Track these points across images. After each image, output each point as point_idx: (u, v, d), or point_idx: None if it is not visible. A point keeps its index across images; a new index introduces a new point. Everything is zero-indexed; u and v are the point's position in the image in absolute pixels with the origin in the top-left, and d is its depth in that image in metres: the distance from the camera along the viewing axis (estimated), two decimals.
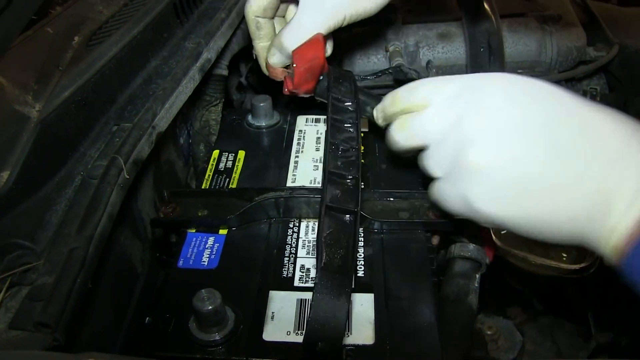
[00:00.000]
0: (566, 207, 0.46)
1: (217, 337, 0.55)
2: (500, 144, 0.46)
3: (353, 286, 0.59)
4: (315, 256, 0.64)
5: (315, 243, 0.66)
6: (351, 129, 0.63)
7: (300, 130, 0.86)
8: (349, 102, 0.67)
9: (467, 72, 1.03)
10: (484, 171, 0.47)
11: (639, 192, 0.43)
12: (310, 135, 0.85)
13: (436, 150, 0.51)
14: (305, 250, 0.65)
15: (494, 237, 1.02)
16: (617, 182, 0.44)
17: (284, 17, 0.73)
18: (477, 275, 0.69)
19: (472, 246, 0.70)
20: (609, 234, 0.45)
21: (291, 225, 0.69)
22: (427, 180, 0.53)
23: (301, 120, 0.89)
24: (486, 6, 0.98)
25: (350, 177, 0.57)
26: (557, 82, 1.01)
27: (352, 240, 0.52)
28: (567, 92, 0.48)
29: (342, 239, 0.51)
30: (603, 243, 0.45)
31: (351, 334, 0.56)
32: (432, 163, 0.52)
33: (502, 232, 1.14)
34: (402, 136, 0.54)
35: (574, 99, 0.47)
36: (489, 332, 0.93)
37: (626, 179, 0.44)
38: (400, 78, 0.95)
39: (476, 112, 0.48)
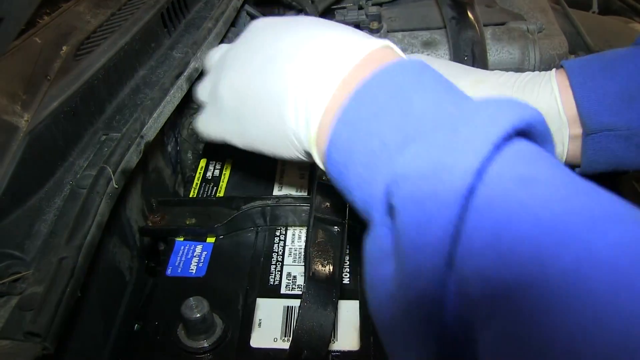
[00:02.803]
0: (275, 110, 0.46)
1: (205, 345, 0.55)
2: (232, 75, 0.50)
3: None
4: (301, 264, 0.65)
5: (301, 251, 0.67)
6: None
7: None
8: None
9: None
10: (225, 97, 0.51)
11: (330, 76, 0.42)
12: None
13: (204, 78, 0.58)
14: (292, 257, 0.66)
15: None
16: (309, 70, 0.43)
17: None
18: None
19: None
20: (309, 129, 0.43)
21: (278, 233, 0.70)
22: None
23: None
24: (470, 15, 0.99)
25: None
26: None
27: (339, 251, 0.53)
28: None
29: (330, 249, 0.53)
30: (307, 141, 0.44)
31: (337, 340, 0.57)
32: (199, 88, 0.58)
33: None
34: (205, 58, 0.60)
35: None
36: None
37: (316, 63, 0.43)
38: None
39: (232, 46, 0.54)
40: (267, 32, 0.51)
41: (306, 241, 0.54)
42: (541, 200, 0.28)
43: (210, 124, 0.56)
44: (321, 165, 0.45)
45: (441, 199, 0.29)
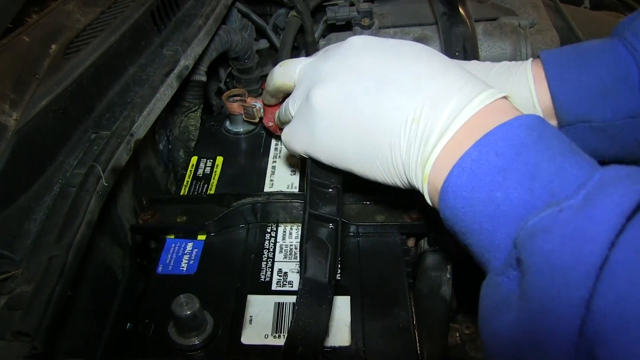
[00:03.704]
0: (384, 137, 0.47)
1: (197, 342, 0.55)
2: (330, 86, 0.52)
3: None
4: (292, 260, 0.65)
5: (292, 247, 0.67)
6: None
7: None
8: None
9: None
10: (320, 109, 0.52)
11: (450, 119, 0.43)
12: None
13: (295, 90, 0.59)
14: (283, 254, 0.66)
15: None
16: (429, 109, 0.45)
17: None
18: (449, 266, 0.70)
19: (441, 238, 0.71)
20: (423, 165, 0.45)
21: (269, 230, 0.70)
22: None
23: None
24: (461, 10, 0.99)
25: (332, 186, 0.58)
26: None
27: (334, 248, 0.53)
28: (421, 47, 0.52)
29: (324, 247, 0.53)
30: (420, 178, 0.46)
31: (328, 335, 0.57)
32: (290, 102, 0.59)
33: None
34: (279, 71, 0.62)
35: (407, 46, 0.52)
36: (467, 332, 0.94)
37: (436, 105, 0.45)
38: None
39: (325, 56, 0.55)
40: (372, 52, 0.52)
41: (301, 238, 0.54)
42: None
43: (296, 136, 0.57)
44: (428, 200, 0.47)
45: (582, 267, 0.31)
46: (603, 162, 0.37)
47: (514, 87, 0.62)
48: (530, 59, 0.63)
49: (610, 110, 0.57)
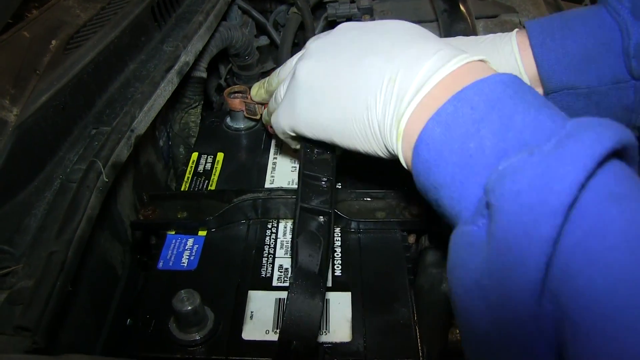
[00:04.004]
0: (361, 100, 0.48)
1: (197, 337, 0.55)
2: (312, 60, 0.53)
3: (330, 285, 0.61)
4: None
5: None
6: None
7: None
8: None
9: None
10: (302, 82, 0.53)
11: (426, 77, 0.44)
12: None
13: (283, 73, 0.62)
14: (284, 250, 0.66)
15: None
16: (405, 69, 0.45)
17: None
18: None
19: (442, 234, 0.71)
20: (398, 121, 0.45)
21: (269, 226, 0.70)
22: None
23: None
24: (462, 8, 0.99)
25: (324, 179, 0.58)
26: None
27: (326, 241, 0.53)
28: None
29: (316, 239, 0.53)
30: (395, 136, 0.46)
31: (328, 332, 0.57)
32: (281, 88, 0.61)
33: None
34: (283, 69, 0.64)
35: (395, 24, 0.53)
36: None
37: (413, 64, 0.45)
38: None
39: (312, 40, 0.57)
40: (356, 31, 0.54)
41: (293, 231, 0.54)
42: (630, 216, 0.31)
43: (284, 114, 0.58)
44: (402, 161, 0.47)
45: (549, 205, 0.32)
46: None
47: (501, 57, 0.62)
48: (516, 30, 0.64)
49: (595, 77, 0.58)
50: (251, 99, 0.78)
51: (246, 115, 0.83)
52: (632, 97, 0.58)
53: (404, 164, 0.47)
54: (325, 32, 0.58)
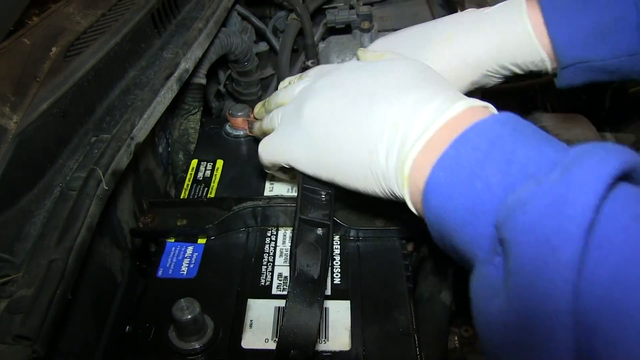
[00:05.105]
0: (364, 145, 0.48)
1: (197, 346, 0.55)
2: (318, 100, 0.54)
3: (329, 293, 0.61)
4: None
5: None
6: None
7: None
8: None
9: None
10: (306, 121, 0.54)
11: (429, 122, 0.44)
12: None
13: (288, 105, 0.61)
14: (283, 258, 0.66)
15: None
16: (408, 114, 0.46)
17: None
18: (449, 271, 0.70)
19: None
20: (401, 165, 0.45)
21: (269, 234, 0.70)
22: None
23: None
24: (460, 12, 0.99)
25: (324, 192, 0.58)
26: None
27: (325, 252, 0.53)
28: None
29: (315, 250, 0.53)
30: (400, 181, 0.46)
31: (327, 340, 0.57)
32: (279, 112, 0.61)
33: None
34: (283, 91, 0.64)
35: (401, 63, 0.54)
36: (465, 335, 0.95)
37: (415, 110, 0.45)
38: None
39: (317, 74, 0.59)
40: (361, 71, 0.55)
41: (292, 242, 0.54)
42: None
43: (275, 147, 0.59)
44: (411, 207, 0.47)
45: (566, 231, 0.31)
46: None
47: (515, 36, 0.62)
48: (524, 1, 0.63)
49: (609, 50, 0.58)
50: (254, 117, 0.78)
51: (249, 133, 0.83)
52: None
53: (413, 210, 0.48)
54: (330, 67, 0.60)
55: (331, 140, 0.52)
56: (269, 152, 0.60)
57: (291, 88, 0.62)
